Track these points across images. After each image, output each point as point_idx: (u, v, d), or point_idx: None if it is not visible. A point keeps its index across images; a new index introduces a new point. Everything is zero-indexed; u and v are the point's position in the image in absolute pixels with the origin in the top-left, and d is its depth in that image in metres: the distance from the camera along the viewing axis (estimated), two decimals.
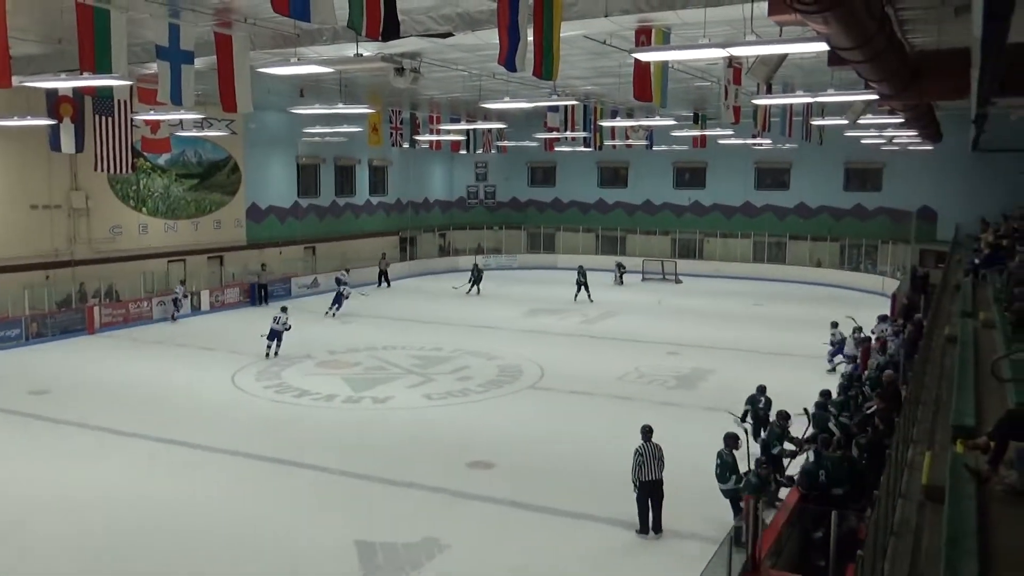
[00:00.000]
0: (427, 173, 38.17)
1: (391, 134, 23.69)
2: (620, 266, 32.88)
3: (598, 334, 22.27)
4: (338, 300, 24.81)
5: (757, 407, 12.29)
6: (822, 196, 33.92)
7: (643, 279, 33.88)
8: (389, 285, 30.91)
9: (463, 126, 25.23)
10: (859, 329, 17.05)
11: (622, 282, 32.56)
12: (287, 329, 19.29)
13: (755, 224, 35.27)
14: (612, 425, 13.84)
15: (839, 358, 17.41)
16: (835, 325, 18.24)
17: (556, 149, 28.37)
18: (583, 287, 27.98)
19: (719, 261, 35.37)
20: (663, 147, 31.61)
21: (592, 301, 27.35)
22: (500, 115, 27.21)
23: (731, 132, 25.05)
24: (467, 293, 29.18)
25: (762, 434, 11.16)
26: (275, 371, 17.72)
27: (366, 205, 34.51)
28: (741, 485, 9.05)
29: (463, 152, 28.61)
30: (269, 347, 19.10)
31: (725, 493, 9.40)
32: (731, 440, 9.52)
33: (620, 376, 17.32)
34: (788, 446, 10.16)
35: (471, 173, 40.18)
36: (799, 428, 10.80)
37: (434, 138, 25.63)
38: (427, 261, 35.69)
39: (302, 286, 29.08)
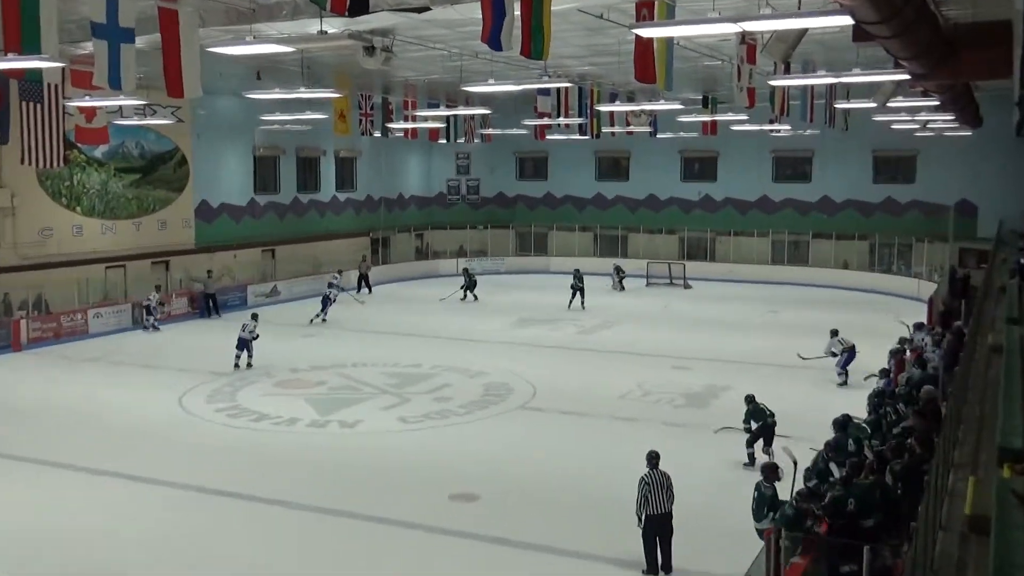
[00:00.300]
0: (401, 166, 38.24)
1: (360, 121, 23.66)
2: (619, 269, 33.01)
3: (597, 346, 22.36)
4: (324, 305, 25.32)
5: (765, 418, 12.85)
6: (848, 189, 34.21)
7: (647, 284, 34.00)
8: (370, 291, 31.22)
9: (442, 112, 25.27)
10: (906, 340, 17.09)
11: (622, 287, 32.73)
12: (254, 338, 19.70)
13: (773, 221, 35.45)
14: (613, 450, 13.88)
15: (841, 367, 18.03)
16: (835, 334, 18.57)
17: (548, 138, 28.38)
18: (579, 293, 28.23)
19: (733, 263, 35.49)
20: (669, 134, 31.70)
21: (584, 308, 27.60)
22: (484, 99, 27.24)
23: (745, 117, 25.18)
24: (462, 300, 29.56)
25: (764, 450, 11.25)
26: (229, 392, 17.68)
27: (332, 202, 34.66)
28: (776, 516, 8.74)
29: (442, 142, 28.57)
30: (238, 357, 19.48)
31: (761, 534, 8.84)
32: (770, 471, 9.35)
33: (622, 394, 17.42)
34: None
35: (451, 165, 40.18)
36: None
37: (409, 126, 25.69)
38: (402, 266, 35.96)
39: (260, 295, 29.12)
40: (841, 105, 21.08)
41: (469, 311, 28.00)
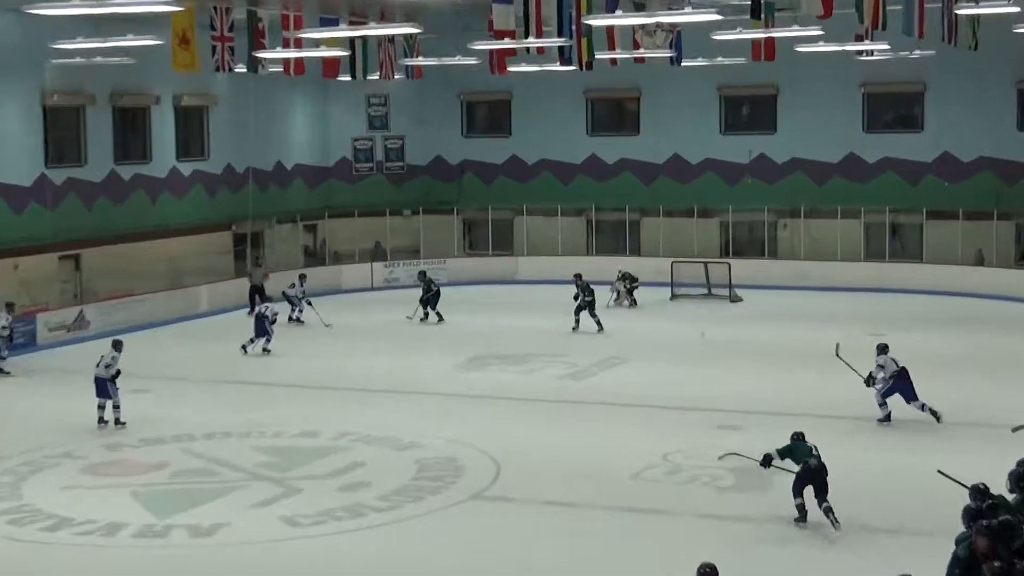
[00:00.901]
0: (281, 118, 38.21)
1: (214, 50, 23.46)
2: (626, 277, 33.18)
3: (595, 396, 22.36)
4: (262, 329, 26.88)
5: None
6: (981, 141, 34.79)
7: (672, 297, 34.09)
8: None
9: (343, 32, 25.13)
10: None
11: (633, 303, 32.90)
12: (114, 376, 20.46)
13: (866, 193, 35.89)
14: (625, 565, 13.84)
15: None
16: (883, 350, 19.59)
17: (511, 70, 28.54)
18: (585, 309, 29.00)
19: (804, 260, 35.86)
20: (700, 61, 31.81)
21: (602, 330, 28.70)
22: (410, 12, 27.20)
23: (818, 31, 25.43)
24: (422, 320, 30.91)
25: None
26: (9, 484, 17.35)
27: (171, 178, 34.51)
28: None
29: (345, 80, 28.70)
30: (102, 408, 20.37)
31: None
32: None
33: (636, 471, 17.45)
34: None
35: (360, 117, 40.31)
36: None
37: (292, 54, 25.68)
38: (285, 275, 35.34)
39: (56, 327, 28.90)
40: (967, 10, 21.29)
41: (395, 344, 28.10)
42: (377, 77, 28.84)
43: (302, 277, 32.22)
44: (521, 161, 39.33)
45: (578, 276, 29.55)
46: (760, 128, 36.94)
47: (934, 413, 19.44)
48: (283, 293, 30.98)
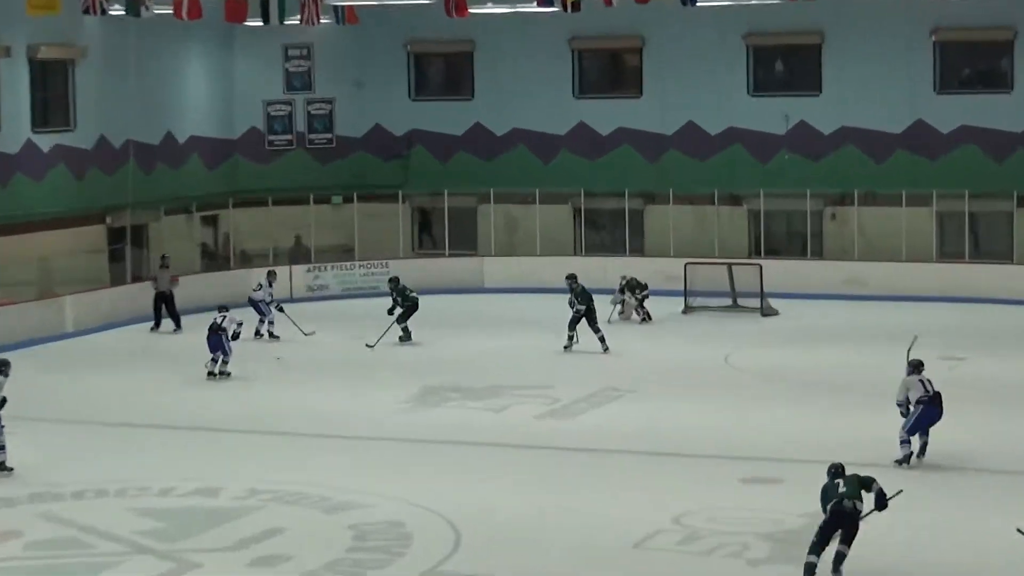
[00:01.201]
0: (171, 77, 38.25)
1: None
2: (633, 286, 33.17)
3: (583, 441, 22.40)
4: (218, 344, 27.39)
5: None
6: None
7: (685, 309, 34.57)
8: (179, 326, 33.07)
9: None
10: None
11: (646, 316, 33.12)
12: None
13: (938, 173, 36.35)
14: None
15: None
16: (917, 368, 20.09)
17: (473, 11, 28.88)
18: (585, 318, 29.26)
19: (858, 261, 36.32)
20: (721, 0, 32.38)
21: (607, 350, 29.14)
22: None
23: None
24: (402, 340, 31.18)
25: None
26: None
27: (25, 154, 34.59)
28: None
29: (255, 24, 28.86)
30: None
31: None
32: None
33: (639, 540, 17.22)
34: None
35: (276, 75, 40.59)
36: None
37: None
38: (187, 280, 35.64)
39: None
40: None
41: (329, 374, 28.24)
42: (298, 22, 28.82)
43: (271, 275, 32.86)
44: (487, 132, 39.39)
45: (572, 278, 29.81)
46: (800, 88, 37.10)
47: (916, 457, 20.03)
48: (248, 299, 31.54)
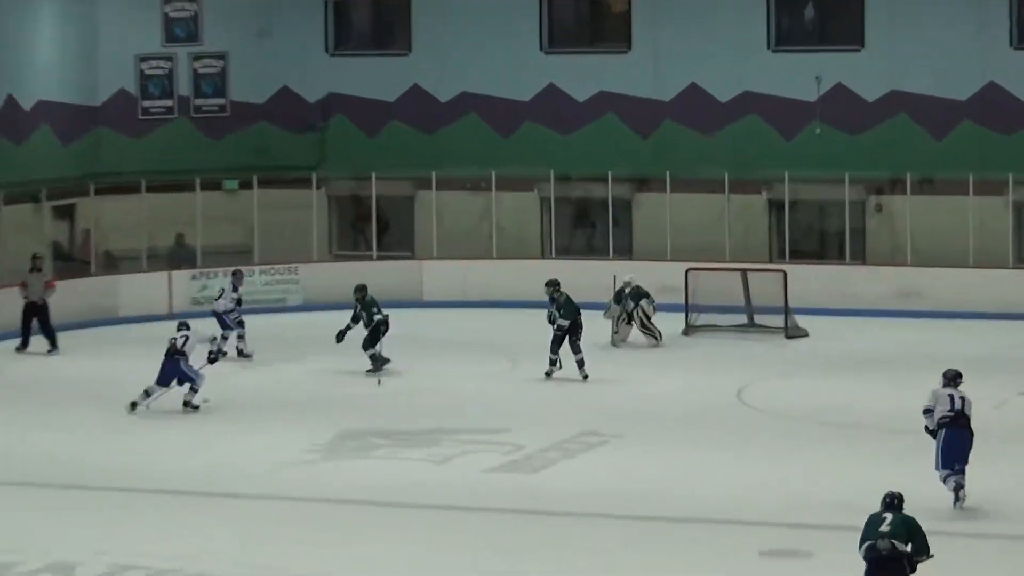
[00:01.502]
0: (14, 27, 38.32)
1: None
2: (636, 292, 33.58)
3: (553, 502, 21.60)
4: (175, 373, 27.99)
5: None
6: None
7: (686, 329, 34.79)
8: (55, 346, 33.79)
9: None
10: None
11: (656, 336, 33.74)
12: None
13: (1016, 152, 36.31)
14: None
15: None
16: (953, 380, 20.90)
17: None
18: (568, 339, 30.10)
19: (911, 267, 36.66)
20: None
21: (586, 378, 29.95)
22: None
23: None
24: (372, 372, 31.82)
25: None
26: None
27: None
28: None
29: None
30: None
31: None
32: None
33: None
34: None
35: (152, 20, 40.51)
36: None
37: None
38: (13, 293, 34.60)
39: None
40: None
41: (218, 412, 28.04)
42: None
43: (236, 276, 33.38)
44: (429, 96, 39.27)
45: (554, 285, 30.33)
46: (836, 41, 37.20)
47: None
48: (213, 312, 32.03)
